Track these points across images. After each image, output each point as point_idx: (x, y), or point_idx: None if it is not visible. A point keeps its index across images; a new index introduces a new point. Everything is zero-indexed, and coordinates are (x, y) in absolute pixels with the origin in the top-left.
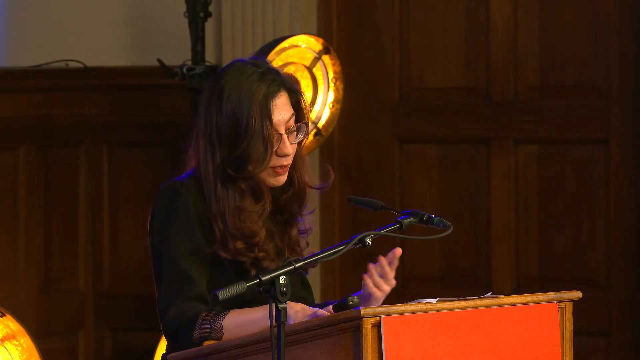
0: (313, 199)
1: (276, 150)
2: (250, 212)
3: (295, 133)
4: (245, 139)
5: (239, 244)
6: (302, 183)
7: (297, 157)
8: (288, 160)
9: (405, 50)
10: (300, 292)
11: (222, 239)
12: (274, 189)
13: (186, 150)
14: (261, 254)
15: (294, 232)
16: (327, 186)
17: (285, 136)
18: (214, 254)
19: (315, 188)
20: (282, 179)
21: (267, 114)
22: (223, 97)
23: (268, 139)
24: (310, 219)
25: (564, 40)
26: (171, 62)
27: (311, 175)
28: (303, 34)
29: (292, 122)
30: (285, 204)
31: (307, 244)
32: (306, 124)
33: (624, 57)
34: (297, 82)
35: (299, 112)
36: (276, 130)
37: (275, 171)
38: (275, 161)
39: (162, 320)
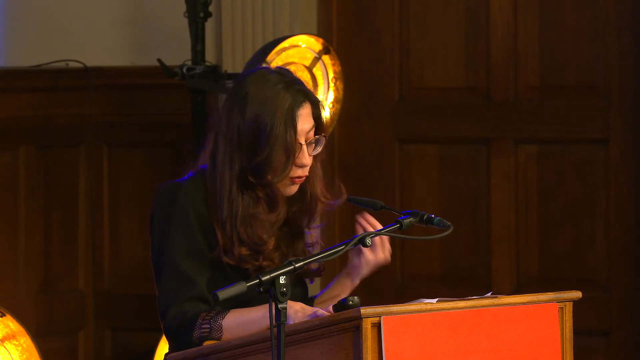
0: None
1: (294, 160)
2: (263, 221)
3: (314, 145)
4: (267, 145)
5: (244, 250)
6: (315, 196)
7: (312, 169)
8: (305, 172)
9: (405, 50)
10: (300, 292)
11: (225, 244)
12: (286, 200)
13: (199, 154)
14: (266, 263)
15: (301, 244)
16: (339, 204)
17: (305, 147)
18: (216, 258)
19: (327, 204)
20: (295, 189)
21: (292, 123)
22: (247, 102)
23: (291, 148)
24: (317, 234)
25: (564, 40)
26: (171, 62)
27: (324, 190)
28: (303, 34)
29: (312, 133)
30: (295, 217)
31: None
32: (325, 137)
33: (624, 57)
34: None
35: (319, 125)
36: (298, 140)
37: (292, 181)
38: (293, 171)
39: (162, 321)
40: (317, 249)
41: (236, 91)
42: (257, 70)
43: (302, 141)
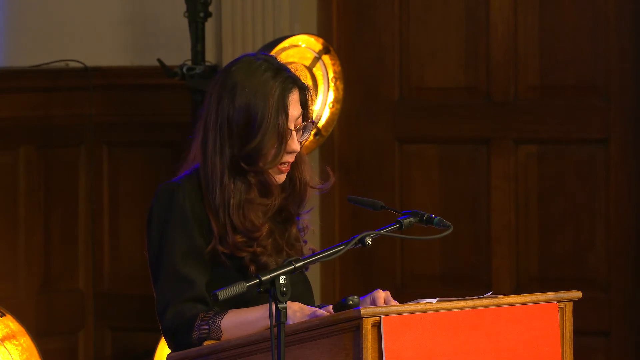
0: (313, 199)
1: (285, 147)
2: (257, 206)
3: (302, 131)
4: (259, 133)
5: (239, 238)
6: (303, 182)
7: (299, 156)
8: (293, 158)
9: (405, 50)
10: (303, 291)
11: (220, 233)
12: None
13: (190, 144)
14: (259, 249)
15: (294, 230)
16: (328, 187)
17: (294, 133)
18: (212, 251)
19: (315, 188)
20: (283, 177)
21: (283, 109)
22: (237, 90)
23: (283, 135)
24: (308, 218)
25: (564, 40)
26: (171, 62)
27: (312, 175)
28: (303, 34)
29: (300, 120)
30: (285, 203)
31: (305, 242)
32: (313, 122)
33: (624, 57)
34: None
35: (307, 111)
36: (288, 127)
37: (279, 168)
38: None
39: (160, 322)
40: (307, 233)
41: (224, 80)
42: (242, 57)
43: (292, 127)
